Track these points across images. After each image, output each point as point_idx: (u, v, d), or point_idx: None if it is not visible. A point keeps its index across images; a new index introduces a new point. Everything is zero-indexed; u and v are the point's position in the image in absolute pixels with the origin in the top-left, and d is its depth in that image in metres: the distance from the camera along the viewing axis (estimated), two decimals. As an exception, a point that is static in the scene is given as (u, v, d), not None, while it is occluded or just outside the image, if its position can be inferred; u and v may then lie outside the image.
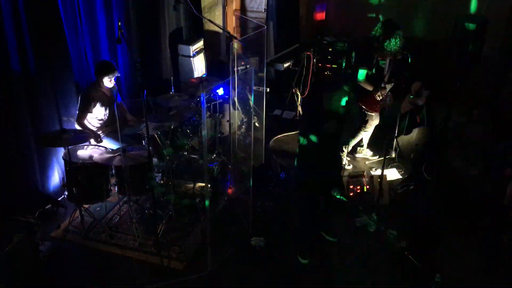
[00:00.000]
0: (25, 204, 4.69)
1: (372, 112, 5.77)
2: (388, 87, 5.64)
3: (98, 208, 5.01)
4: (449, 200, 5.27)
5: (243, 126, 6.16)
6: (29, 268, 4.14)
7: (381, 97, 5.55)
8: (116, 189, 4.72)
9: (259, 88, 5.69)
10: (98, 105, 4.94)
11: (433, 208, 5.15)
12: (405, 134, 6.12)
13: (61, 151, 4.73)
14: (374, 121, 5.90)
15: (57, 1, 4.67)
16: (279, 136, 6.82)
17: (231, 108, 5.38)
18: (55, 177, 5.08)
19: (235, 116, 5.64)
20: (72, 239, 4.63)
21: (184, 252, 4.48)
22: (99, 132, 5.05)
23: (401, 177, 5.80)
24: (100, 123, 5.08)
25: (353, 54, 5.94)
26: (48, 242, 4.47)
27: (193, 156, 5.14)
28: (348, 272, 4.32)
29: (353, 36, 7.67)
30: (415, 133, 6.08)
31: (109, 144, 4.99)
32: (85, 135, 4.59)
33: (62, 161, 4.64)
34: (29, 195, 4.76)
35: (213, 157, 5.24)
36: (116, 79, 5.04)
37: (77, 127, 4.92)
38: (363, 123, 5.93)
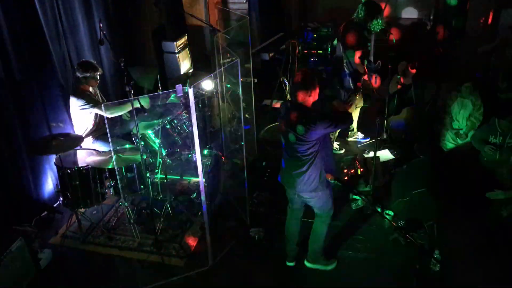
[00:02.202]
0: (21, 212, 4.67)
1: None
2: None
3: (95, 212, 5.00)
4: (443, 177, 5.31)
5: (234, 119, 6.15)
6: (29, 276, 4.13)
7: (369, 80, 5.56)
8: (111, 191, 4.70)
9: (246, 79, 5.68)
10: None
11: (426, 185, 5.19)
12: (394, 114, 6.15)
13: (53, 157, 4.70)
14: (358, 104, 5.89)
15: (35, 6, 4.61)
16: (270, 125, 6.82)
17: (220, 102, 5.38)
18: (49, 183, 5.06)
19: (224, 109, 5.63)
20: (70, 244, 4.62)
21: (184, 249, 4.49)
22: (89, 137, 4.99)
23: (393, 157, 5.83)
24: (90, 127, 5.01)
25: (335, 42, 5.94)
26: (47, 249, 4.45)
27: (186, 152, 5.13)
28: (347, 257, 4.36)
29: (337, 21, 7.66)
30: (404, 113, 6.11)
31: (101, 147, 4.96)
32: (76, 140, 4.53)
33: (55, 167, 4.61)
34: (24, 204, 4.74)
35: (205, 152, 5.22)
36: (100, 79, 4.97)
37: (110, 115, 4.70)
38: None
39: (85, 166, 4.44)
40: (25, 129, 4.67)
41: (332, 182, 3.68)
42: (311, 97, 3.57)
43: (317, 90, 3.58)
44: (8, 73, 4.41)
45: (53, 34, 4.94)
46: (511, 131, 5.06)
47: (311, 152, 3.65)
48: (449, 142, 5.70)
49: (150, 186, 4.61)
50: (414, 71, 6.09)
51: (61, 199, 4.59)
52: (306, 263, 4.25)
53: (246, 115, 6.15)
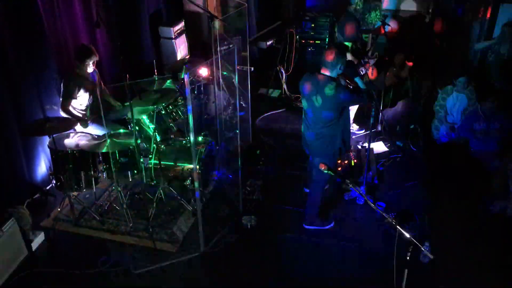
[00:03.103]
0: (13, 194, 4.65)
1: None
2: (372, 61, 5.64)
3: (88, 195, 5.00)
4: (435, 170, 5.35)
5: (229, 107, 6.14)
6: (20, 258, 4.14)
7: (364, 72, 5.56)
8: (104, 175, 4.70)
9: (243, 68, 5.67)
10: (81, 91, 4.87)
11: (419, 178, 5.23)
12: (390, 107, 6.16)
13: (47, 140, 4.68)
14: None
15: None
16: (266, 114, 6.82)
17: (216, 89, 5.36)
18: (42, 166, 5.04)
19: (220, 97, 5.61)
20: (62, 227, 4.62)
21: (176, 234, 4.50)
22: (85, 118, 4.99)
23: (387, 149, 5.85)
24: (85, 109, 5.02)
25: (335, 28, 5.92)
26: (39, 232, 4.45)
27: (180, 138, 5.12)
28: (338, 247, 4.38)
29: (335, 11, 7.63)
30: (400, 106, 6.12)
31: (95, 130, 4.95)
32: (70, 122, 4.54)
33: (48, 150, 4.60)
34: (16, 186, 4.72)
35: (200, 139, 5.22)
36: (96, 63, 4.96)
37: (62, 114, 4.86)
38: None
39: (79, 149, 4.43)
40: (19, 112, 4.64)
41: (325, 171, 3.69)
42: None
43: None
44: (2, 55, 4.36)
45: (48, 16, 4.88)
46: (494, 115, 5.06)
47: (331, 118, 4.00)
48: (443, 136, 5.72)
49: (144, 171, 4.61)
50: (411, 64, 6.10)
51: (54, 182, 4.58)
52: (304, 225, 4.60)
53: (242, 103, 6.15)
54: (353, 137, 6.22)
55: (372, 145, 5.73)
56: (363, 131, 6.26)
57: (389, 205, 4.83)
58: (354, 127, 6.32)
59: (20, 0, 4.48)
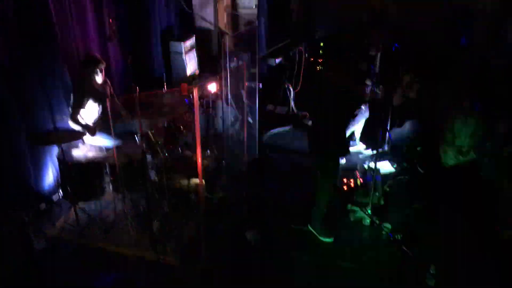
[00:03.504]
0: (20, 203, 4.67)
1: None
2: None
3: (93, 206, 5.00)
4: (442, 192, 5.31)
5: (237, 122, 6.17)
6: (23, 265, 4.14)
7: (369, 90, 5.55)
8: (110, 187, 4.71)
9: (251, 84, 5.71)
10: (91, 100, 4.92)
11: (426, 200, 5.19)
12: (397, 127, 6.16)
13: (55, 150, 4.72)
14: (364, 114, 5.92)
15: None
16: (273, 131, 6.83)
17: (224, 104, 5.39)
18: (50, 176, 5.07)
19: (228, 112, 5.64)
20: (67, 237, 4.63)
21: (180, 248, 4.49)
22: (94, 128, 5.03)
23: (394, 170, 5.83)
24: (94, 119, 5.05)
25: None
26: (43, 240, 4.46)
27: (187, 152, 5.14)
28: (344, 268, 4.35)
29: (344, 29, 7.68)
30: (407, 126, 6.11)
31: (103, 140, 4.98)
32: (79, 133, 4.57)
33: (56, 160, 4.63)
34: (23, 194, 4.74)
35: (206, 153, 5.25)
36: (106, 75, 5.01)
37: (72, 124, 4.90)
38: (352, 116, 5.94)
39: (87, 160, 4.45)
40: (29, 121, 4.69)
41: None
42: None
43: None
44: (13, 64, 4.43)
45: (62, 27, 4.96)
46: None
47: None
48: (451, 159, 5.69)
49: (149, 184, 4.62)
50: (418, 84, 6.09)
51: (61, 192, 4.60)
52: (308, 226, 4.73)
53: (249, 119, 6.17)
54: (360, 156, 6.21)
55: (379, 165, 5.71)
56: (370, 150, 6.25)
57: (396, 227, 4.79)
58: (360, 146, 6.31)
59: (34, 10, 4.55)
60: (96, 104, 5.00)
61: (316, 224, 4.69)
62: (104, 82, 5.07)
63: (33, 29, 4.57)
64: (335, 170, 4.58)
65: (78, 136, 4.54)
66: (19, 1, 4.35)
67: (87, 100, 4.89)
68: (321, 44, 7.41)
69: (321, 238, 4.67)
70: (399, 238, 4.52)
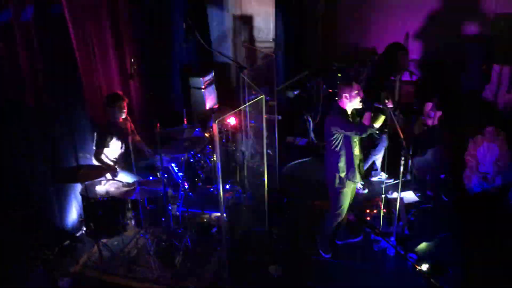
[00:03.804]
0: (44, 240, 4.72)
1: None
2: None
3: (116, 242, 5.03)
4: (468, 221, 5.19)
5: (257, 155, 6.19)
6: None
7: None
8: (133, 222, 4.75)
9: (270, 116, 5.75)
10: (114, 139, 5.02)
11: (452, 229, 5.08)
12: (419, 155, 6.08)
13: (79, 187, 4.79)
14: (383, 143, 5.89)
15: (71, 38, 4.81)
16: (292, 163, 6.82)
17: (244, 137, 5.43)
18: (73, 212, 5.13)
19: (248, 145, 5.68)
20: (91, 274, 4.64)
21: (202, 283, 4.45)
22: (115, 166, 5.11)
23: (418, 199, 5.74)
24: (117, 157, 5.14)
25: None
26: (67, 278, 4.48)
27: (207, 186, 5.17)
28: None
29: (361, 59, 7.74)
30: (429, 154, 6.04)
31: (125, 177, 5.05)
32: (101, 170, 4.65)
33: (80, 197, 4.70)
34: (48, 231, 4.80)
35: (227, 187, 5.26)
36: (128, 112, 5.12)
37: (95, 162, 4.99)
38: (373, 146, 5.92)
39: (109, 196, 4.51)
40: (54, 159, 4.79)
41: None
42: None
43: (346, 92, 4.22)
44: (38, 103, 4.56)
45: (85, 67, 5.12)
46: None
47: (333, 144, 4.31)
48: (476, 186, 5.59)
49: (171, 219, 4.64)
50: (440, 112, 6.06)
51: (84, 228, 4.65)
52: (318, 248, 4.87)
53: (269, 151, 6.19)
54: (382, 186, 6.14)
55: (402, 194, 5.63)
56: (392, 180, 6.18)
57: (421, 257, 4.68)
58: (382, 176, 6.25)
59: (58, 50, 4.71)
60: (119, 142, 5.09)
61: (323, 243, 4.81)
62: (125, 119, 5.17)
63: (58, 70, 4.72)
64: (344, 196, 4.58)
65: (101, 174, 4.61)
66: (45, 43, 4.52)
67: (111, 138, 4.98)
68: (339, 75, 7.46)
69: (320, 252, 4.81)
70: (425, 269, 4.40)
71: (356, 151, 4.41)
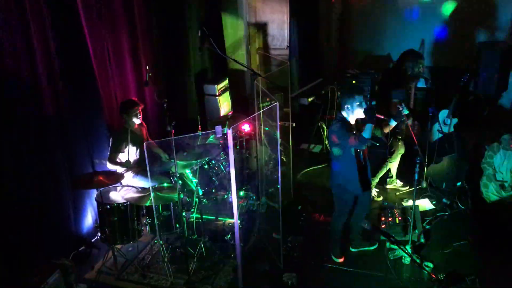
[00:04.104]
0: (60, 246, 4.77)
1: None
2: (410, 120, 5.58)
3: (131, 248, 5.05)
4: (485, 229, 5.11)
5: (271, 162, 6.19)
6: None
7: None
8: (147, 228, 4.77)
9: (285, 123, 5.75)
10: (130, 145, 5.06)
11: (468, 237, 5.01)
12: (435, 163, 6.03)
13: (94, 193, 4.83)
14: (399, 151, 5.85)
15: (88, 46, 4.88)
16: (307, 169, 6.80)
17: (258, 144, 5.44)
18: (89, 218, 5.18)
19: (262, 152, 5.68)
20: (105, 280, 4.66)
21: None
22: (129, 171, 5.14)
23: (433, 207, 5.68)
24: (132, 162, 5.18)
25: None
26: (83, 284, 4.51)
27: (221, 192, 5.17)
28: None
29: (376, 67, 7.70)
30: (445, 162, 5.98)
31: (140, 182, 5.08)
32: (117, 176, 4.68)
33: (95, 203, 4.73)
34: (63, 238, 4.85)
35: (241, 194, 5.25)
36: (143, 119, 5.16)
37: (110, 167, 5.03)
38: (389, 153, 5.88)
39: (124, 202, 4.54)
40: (70, 165, 4.84)
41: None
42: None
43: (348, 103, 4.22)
44: (56, 111, 4.63)
45: (102, 74, 5.19)
46: None
47: (336, 154, 4.34)
48: (493, 194, 5.50)
49: (185, 225, 4.65)
50: (456, 120, 6.00)
51: (99, 234, 4.68)
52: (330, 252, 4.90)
53: (283, 159, 6.18)
54: (397, 193, 6.09)
55: (418, 202, 5.57)
56: (408, 187, 6.12)
57: (437, 266, 4.61)
58: (398, 184, 6.19)
59: (75, 57, 4.79)
60: (134, 148, 5.13)
61: (330, 247, 4.85)
62: (141, 125, 5.22)
63: (76, 78, 4.79)
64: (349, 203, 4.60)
65: (116, 180, 4.64)
66: (63, 52, 4.59)
67: (126, 144, 5.03)
68: (353, 82, 7.43)
69: (332, 257, 4.81)
70: (441, 278, 4.34)
71: (359, 161, 4.37)
